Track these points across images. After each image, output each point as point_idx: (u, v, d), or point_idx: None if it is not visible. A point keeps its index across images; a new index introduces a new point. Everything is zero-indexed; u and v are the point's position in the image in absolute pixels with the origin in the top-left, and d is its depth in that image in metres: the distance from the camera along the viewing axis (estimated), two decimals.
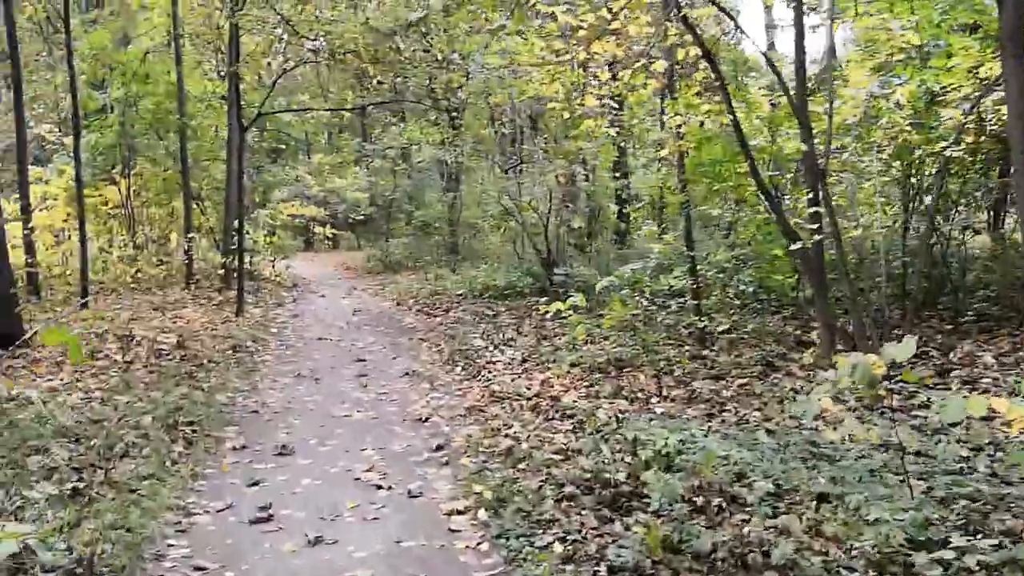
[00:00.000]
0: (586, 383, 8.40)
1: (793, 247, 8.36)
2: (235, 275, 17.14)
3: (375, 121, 31.23)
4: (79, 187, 15.55)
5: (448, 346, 11.05)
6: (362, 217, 33.31)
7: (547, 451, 6.15)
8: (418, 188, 27.57)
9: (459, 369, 9.71)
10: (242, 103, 15.75)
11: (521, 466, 5.87)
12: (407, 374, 9.73)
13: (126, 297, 16.47)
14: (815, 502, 4.80)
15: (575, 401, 7.55)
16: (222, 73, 20.99)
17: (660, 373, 8.55)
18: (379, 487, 5.83)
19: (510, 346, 10.55)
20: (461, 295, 15.99)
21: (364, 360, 10.74)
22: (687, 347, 9.83)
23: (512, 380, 8.69)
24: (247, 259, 16.95)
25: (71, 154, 22.25)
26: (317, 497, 5.68)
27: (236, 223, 14.67)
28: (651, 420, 6.89)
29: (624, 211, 16.76)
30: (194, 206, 21.34)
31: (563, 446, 6.29)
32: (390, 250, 26.97)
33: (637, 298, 9.09)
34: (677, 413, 7.27)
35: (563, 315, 10.36)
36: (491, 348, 10.48)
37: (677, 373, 8.70)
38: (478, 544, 4.77)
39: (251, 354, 11.05)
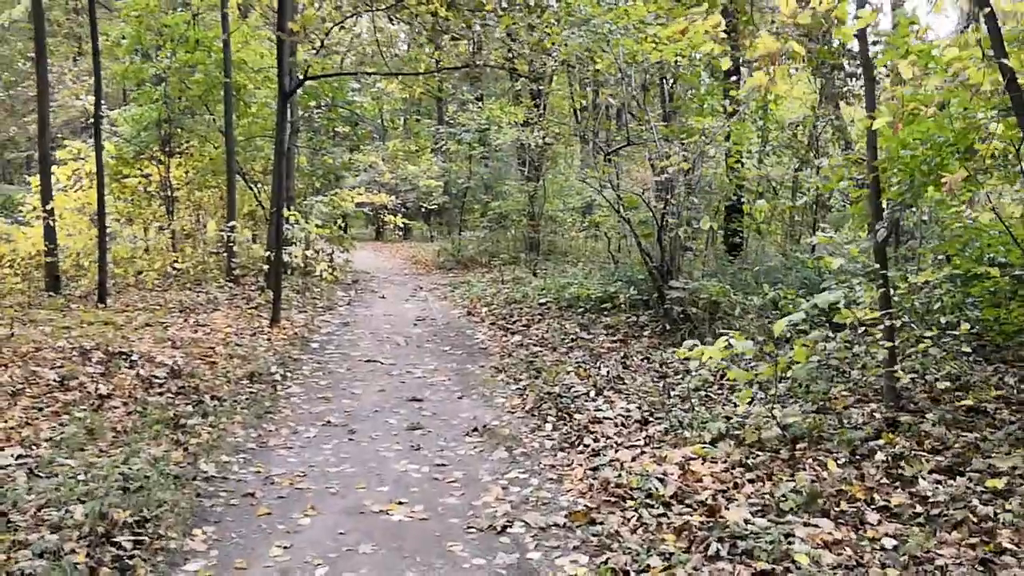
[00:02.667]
0: (750, 473, 5.47)
1: None
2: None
3: (453, 100, 28.58)
4: (99, 171, 13.19)
5: (532, 384, 8.21)
6: (435, 206, 30.83)
7: None
8: (495, 176, 24.81)
9: (549, 427, 6.86)
10: (294, 68, 13.20)
11: None
12: (476, 430, 6.92)
13: (152, 295, 14.07)
14: None
15: (747, 521, 4.64)
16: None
17: (859, 458, 5.61)
18: None
19: (619, 391, 7.66)
20: (545, 305, 13.15)
21: (420, 401, 7.99)
22: (877, 409, 6.79)
23: (633, 458, 5.80)
24: (295, 253, 14.41)
25: (114, 126, 20.35)
26: None
27: (276, 210, 12.07)
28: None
29: (739, 208, 13.57)
30: (248, 189, 19.03)
31: None
32: (463, 244, 24.32)
33: (822, 340, 6.12)
34: (920, 551, 4.31)
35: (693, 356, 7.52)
36: (592, 392, 7.59)
37: (881, 457, 5.69)
38: None
39: (273, 385, 8.39)
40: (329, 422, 7.24)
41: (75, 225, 17.00)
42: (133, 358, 8.81)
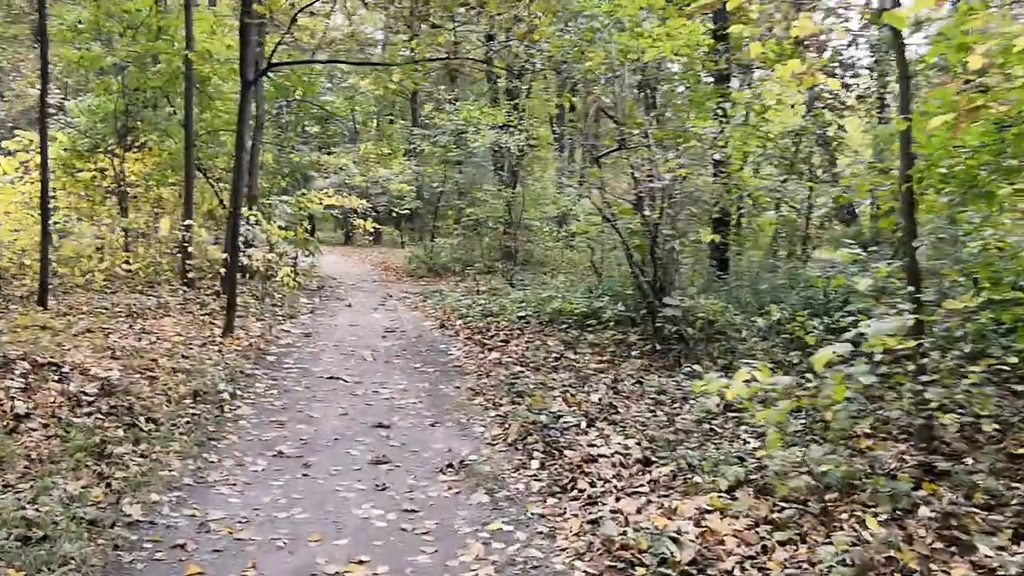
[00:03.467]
0: (780, 533, 4.60)
1: None
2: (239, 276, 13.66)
3: (429, 100, 27.70)
4: (43, 163, 12.14)
5: (514, 410, 7.30)
6: (407, 211, 29.86)
7: None
8: (471, 181, 23.90)
9: (536, 464, 5.96)
10: (260, 59, 12.24)
11: None
12: (451, 466, 6.00)
13: (99, 298, 13.00)
14: None
15: None
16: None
17: (901, 514, 4.78)
18: None
19: (613, 421, 6.76)
20: (524, 319, 12.25)
21: (387, 428, 7.05)
22: (907, 451, 5.97)
23: (638, 509, 4.92)
24: (255, 256, 13.41)
25: (69, 117, 19.20)
26: None
27: (234, 209, 11.09)
28: None
29: (726, 221, 12.72)
30: (208, 187, 17.95)
31: None
32: (435, 251, 23.39)
33: (863, 374, 5.27)
34: None
35: (700, 383, 6.71)
36: (583, 423, 6.69)
37: (927, 513, 4.86)
38: None
39: (220, 405, 7.40)
40: (281, 452, 6.28)
41: (21, 220, 15.87)
42: (64, 370, 7.78)
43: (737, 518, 4.76)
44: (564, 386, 8.16)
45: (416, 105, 35.50)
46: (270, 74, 17.81)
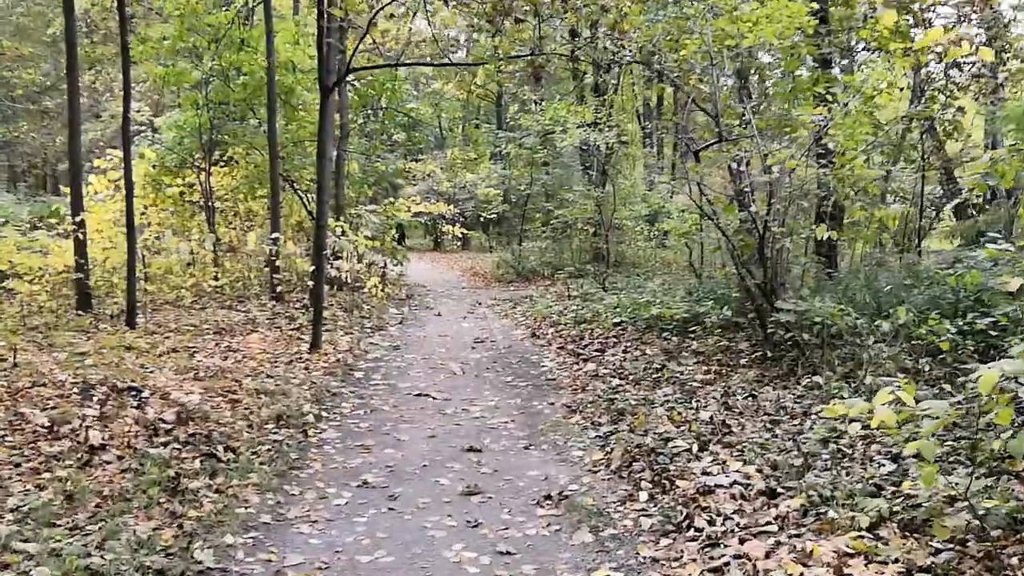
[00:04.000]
0: None
1: None
2: (327, 288, 13.41)
3: (514, 101, 27.24)
4: (127, 180, 12.13)
5: (616, 431, 6.69)
6: (494, 215, 29.53)
7: None
8: (559, 182, 23.34)
9: (644, 496, 5.34)
10: (341, 66, 11.92)
11: None
12: (550, 498, 5.44)
13: (189, 314, 12.91)
14: None
15: None
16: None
17: None
18: None
19: (728, 444, 6.08)
20: (620, 325, 11.62)
21: (478, 452, 6.53)
22: None
23: (767, 553, 4.27)
24: (343, 267, 13.13)
25: (157, 133, 19.38)
26: None
27: (318, 220, 10.78)
28: None
29: (833, 215, 11.75)
30: (295, 199, 17.85)
31: None
32: (523, 255, 22.90)
33: None
34: None
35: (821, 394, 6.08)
36: (695, 446, 6.04)
37: None
38: None
39: (304, 430, 7.01)
40: (366, 482, 5.82)
41: (113, 238, 15.98)
42: (143, 395, 7.53)
43: (886, 564, 4.07)
44: (669, 401, 7.51)
45: (501, 108, 35.21)
46: (354, 83, 17.64)
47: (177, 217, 17.98)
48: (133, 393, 7.57)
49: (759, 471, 5.46)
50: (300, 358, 9.60)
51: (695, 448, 5.99)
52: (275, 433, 6.75)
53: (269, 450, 6.32)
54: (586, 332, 11.60)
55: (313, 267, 10.17)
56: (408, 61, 15.68)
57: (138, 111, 22.64)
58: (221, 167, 17.76)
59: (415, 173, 30.08)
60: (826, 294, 8.98)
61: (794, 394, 7.45)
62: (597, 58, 11.14)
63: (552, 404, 8.00)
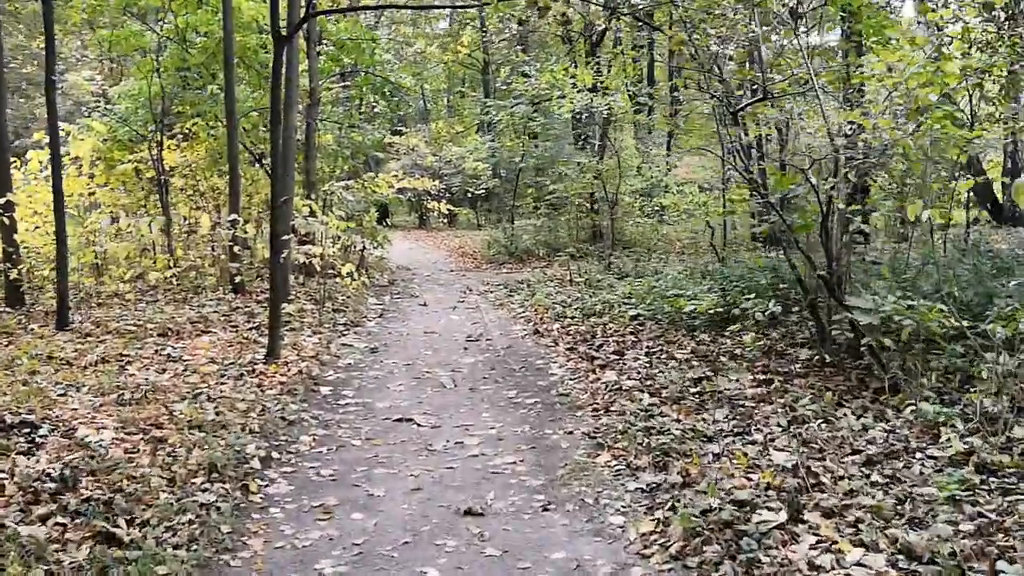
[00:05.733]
0: None
1: None
2: (294, 278, 11.67)
3: (506, 63, 25.36)
4: (54, 158, 10.34)
5: (664, 481, 4.98)
6: (482, 191, 27.73)
7: None
8: (553, 155, 21.51)
9: None
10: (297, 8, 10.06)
11: None
12: None
13: (134, 311, 11.14)
14: None
15: None
16: None
17: None
18: None
19: (828, 511, 4.36)
20: (638, 320, 9.91)
21: (479, 515, 4.79)
22: None
23: None
24: (313, 252, 11.35)
25: (111, 104, 17.43)
26: None
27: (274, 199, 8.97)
28: None
29: (866, 192, 9.94)
30: (264, 175, 15.99)
31: None
32: (516, 234, 21.14)
33: None
34: None
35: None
36: (783, 513, 4.31)
37: None
38: None
39: (245, 484, 5.25)
40: None
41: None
42: (40, 432, 5.77)
43: None
44: (723, 431, 5.80)
45: (488, 77, 33.34)
46: (325, 42, 15.76)
47: (131, 197, 16.11)
48: (27, 431, 5.82)
49: (890, 563, 3.75)
50: (253, 371, 7.83)
51: (783, 515, 4.28)
52: (204, 490, 4.99)
53: (192, 521, 4.57)
54: (598, 328, 9.87)
55: (270, 256, 8.36)
56: (384, 2, 13.71)
57: (90, 80, 20.77)
58: (181, 141, 15.90)
59: (398, 147, 28.23)
60: (895, 286, 7.27)
61: (881, 419, 5.77)
62: (606, 2, 9.31)
63: (570, 433, 6.26)
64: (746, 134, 7.94)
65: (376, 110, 20.34)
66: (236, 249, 11.69)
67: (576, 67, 17.82)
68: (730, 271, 10.27)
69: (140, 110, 15.65)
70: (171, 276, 12.08)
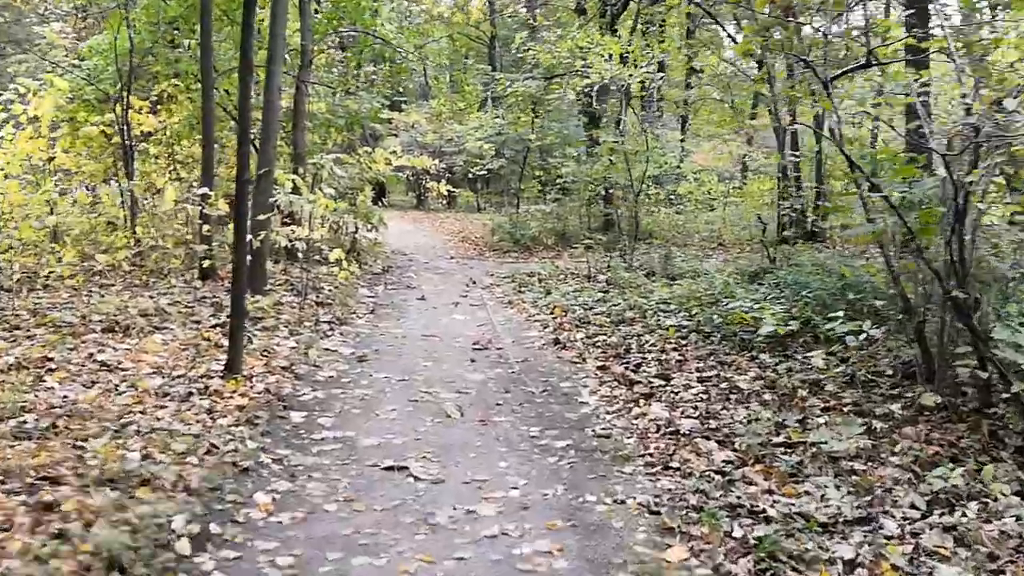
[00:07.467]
0: None
1: None
2: (272, 264, 10.05)
3: (522, 27, 23.60)
4: None
5: None
6: (485, 172, 26.03)
7: None
8: (566, 136, 19.81)
9: None
10: None
11: None
12: None
13: (84, 294, 9.49)
14: None
15: None
16: None
17: None
18: None
19: None
20: (682, 333, 8.27)
21: None
22: None
23: None
24: (298, 234, 9.69)
25: (81, 60, 15.69)
26: None
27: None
28: None
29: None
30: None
31: None
32: (522, 220, 19.47)
33: None
34: None
35: None
36: None
37: None
38: None
39: None
40: None
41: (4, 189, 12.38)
42: None
43: None
44: (840, 514, 4.17)
45: (495, 51, 31.63)
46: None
47: (98, 164, 14.41)
48: None
49: None
50: (206, 389, 6.16)
51: None
52: None
53: None
54: (631, 340, 8.23)
55: (234, 241, 6.67)
56: None
57: (59, 32, 19.00)
58: (157, 104, 14.18)
59: (397, 123, 26.52)
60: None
61: None
62: None
63: (622, 503, 4.60)
64: (837, 112, 6.26)
65: (375, 79, 18.59)
66: (206, 229, 9.99)
67: (613, 33, 16.14)
68: (791, 276, 8.61)
69: (110, 67, 13.95)
70: (124, 258, 10.35)
